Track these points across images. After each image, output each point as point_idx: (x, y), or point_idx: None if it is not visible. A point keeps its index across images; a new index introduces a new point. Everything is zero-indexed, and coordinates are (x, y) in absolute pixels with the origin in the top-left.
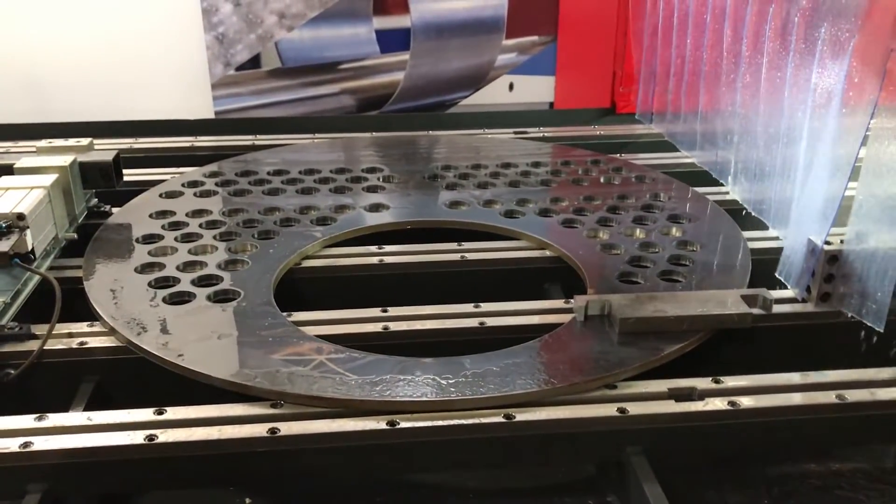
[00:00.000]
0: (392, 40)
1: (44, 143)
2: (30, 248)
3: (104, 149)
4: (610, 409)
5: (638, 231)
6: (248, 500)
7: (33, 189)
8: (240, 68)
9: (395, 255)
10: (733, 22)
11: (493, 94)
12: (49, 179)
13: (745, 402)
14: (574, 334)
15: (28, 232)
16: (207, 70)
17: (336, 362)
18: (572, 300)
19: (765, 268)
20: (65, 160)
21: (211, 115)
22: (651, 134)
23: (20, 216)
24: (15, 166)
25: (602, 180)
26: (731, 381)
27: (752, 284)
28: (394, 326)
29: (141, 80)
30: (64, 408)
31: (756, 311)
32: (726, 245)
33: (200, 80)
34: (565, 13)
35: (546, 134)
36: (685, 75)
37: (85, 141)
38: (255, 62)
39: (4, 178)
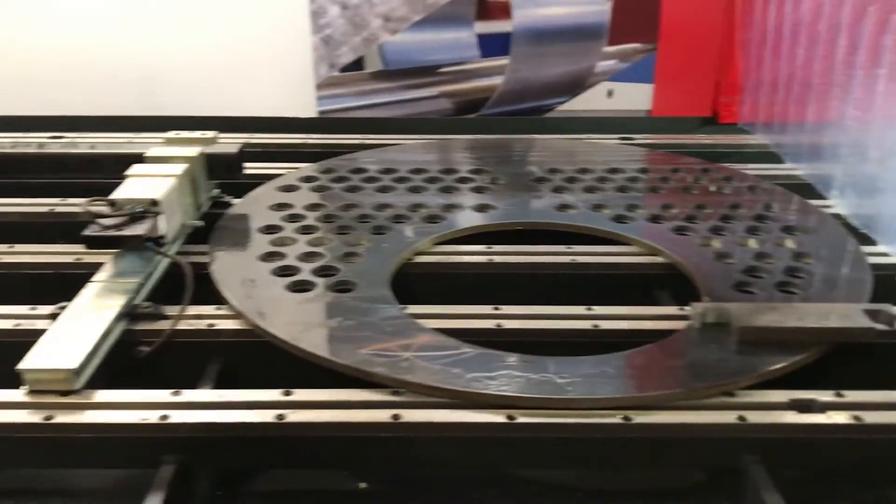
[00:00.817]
0: (492, 44)
1: (171, 134)
2: (162, 233)
3: (226, 142)
4: (729, 417)
5: (751, 241)
6: (362, 485)
7: (165, 177)
8: (343, 70)
9: (505, 254)
10: (849, 33)
11: (589, 100)
12: (179, 168)
13: (870, 417)
14: (690, 341)
15: (161, 217)
16: (312, 71)
17: (454, 355)
18: (687, 307)
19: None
20: (193, 151)
21: (314, 115)
22: (756, 144)
23: (154, 202)
24: (146, 155)
25: (712, 189)
26: (854, 396)
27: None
28: (507, 324)
29: (248, 79)
30: (191, 387)
31: (879, 326)
32: (844, 258)
33: (305, 81)
34: (667, 21)
35: (650, 141)
36: (794, 86)
37: (210, 134)
38: (358, 64)
39: (137, 165)
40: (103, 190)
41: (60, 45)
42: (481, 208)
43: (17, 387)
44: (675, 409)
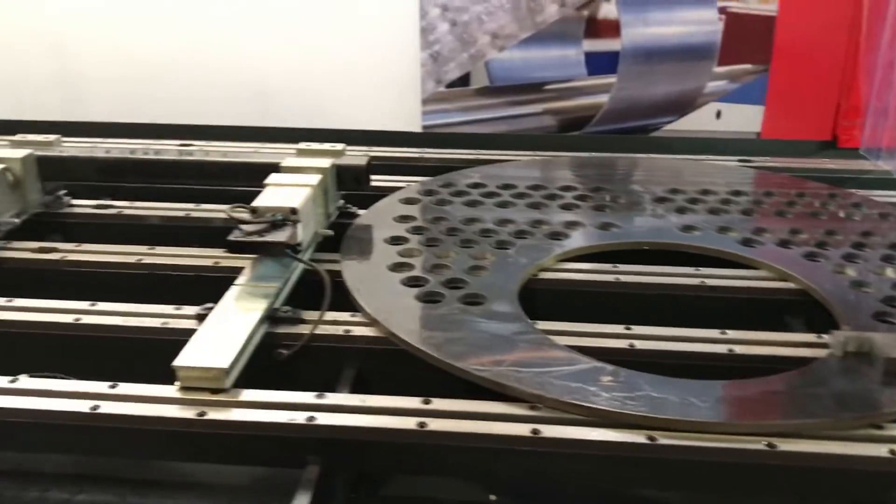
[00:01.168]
0: (600, 62)
1: (303, 145)
2: (299, 240)
3: (352, 154)
4: (881, 450)
5: (889, 270)
6: (492, 497)
7: (301, 187)
8: (450, 86)
9: (632, 274)
10: None
11: (696, 121)
12: (315, 179)
13: None
14: (831, 369)
15: (299, 226)
16: (419, 86)
17: (590, 372)
18: (824, 335)
19: None
20: (325, 162)
21: (418, 129)
22: (880, 171)
23: (293, 210)
24: (281, 165)
25: (842, 215)
26: None
27: None
28: (639, 345)
29: (356, 93)
30: (327, 390)
31: None
32: None
33: (412, 95)
34: (781, 42)
35: (769, 164)
36: None
37: (339, 146)
38: (464, 80)
39: (275, 175)
40: (232, 197)
41: (183, 58)
42: (604, 226)
43: (165, 383)
44: (822, 439)
